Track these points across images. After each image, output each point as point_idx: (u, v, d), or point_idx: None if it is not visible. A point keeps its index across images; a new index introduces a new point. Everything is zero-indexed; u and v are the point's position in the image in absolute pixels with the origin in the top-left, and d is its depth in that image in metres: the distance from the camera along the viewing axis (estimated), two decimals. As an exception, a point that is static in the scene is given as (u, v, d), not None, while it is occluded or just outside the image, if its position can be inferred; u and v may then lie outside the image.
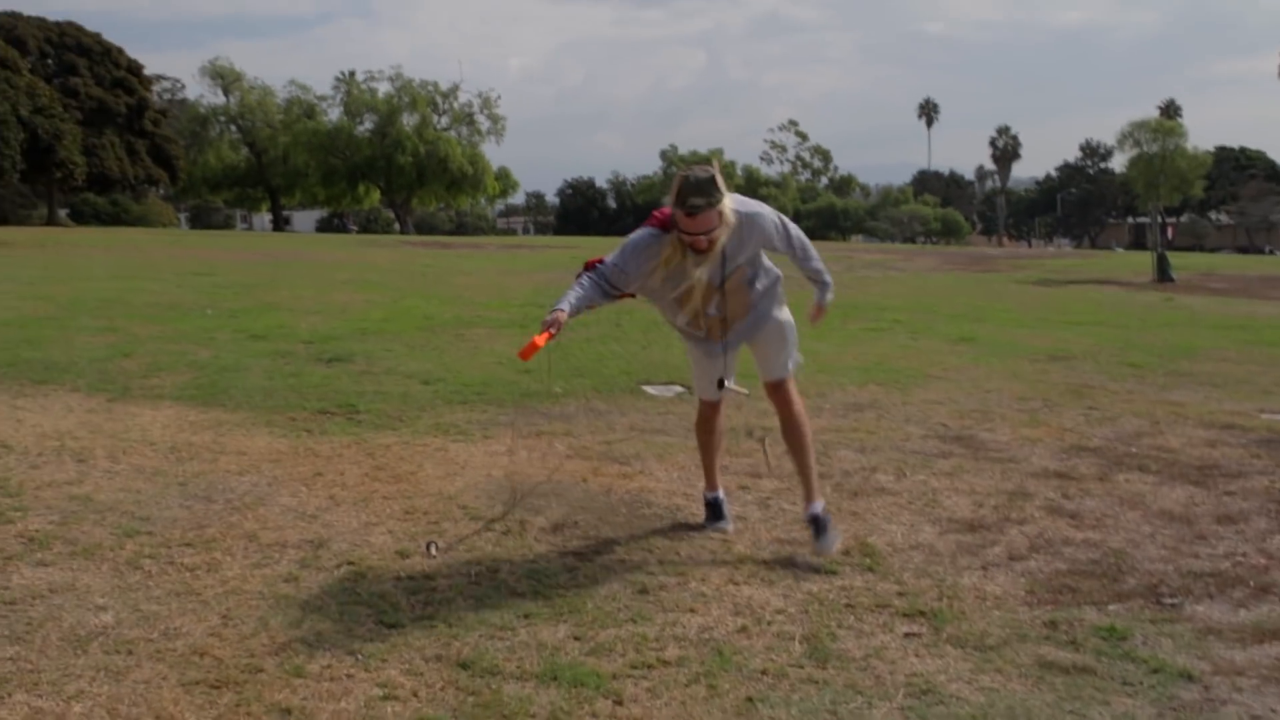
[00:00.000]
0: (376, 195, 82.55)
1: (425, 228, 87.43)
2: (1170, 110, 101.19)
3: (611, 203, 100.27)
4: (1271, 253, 75.04)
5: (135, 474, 6.30)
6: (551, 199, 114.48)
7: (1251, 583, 4.86)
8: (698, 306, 5.08)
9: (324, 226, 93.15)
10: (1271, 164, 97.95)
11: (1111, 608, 4.53)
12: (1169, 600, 4.62)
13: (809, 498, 5.23)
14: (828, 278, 5.40)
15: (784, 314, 5.31)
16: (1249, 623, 4.39)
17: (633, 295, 5.16)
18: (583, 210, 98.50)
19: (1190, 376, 10.60)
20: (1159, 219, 36.30)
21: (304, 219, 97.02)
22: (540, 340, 4.71)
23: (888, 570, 4.96)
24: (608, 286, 4.98)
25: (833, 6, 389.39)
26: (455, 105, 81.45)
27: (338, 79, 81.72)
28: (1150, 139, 58.85)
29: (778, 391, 5.27)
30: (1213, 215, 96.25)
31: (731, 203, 4.84)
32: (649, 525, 5.61)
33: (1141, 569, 5.03)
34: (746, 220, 4.92)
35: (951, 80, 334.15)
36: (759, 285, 5.18)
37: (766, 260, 5.23)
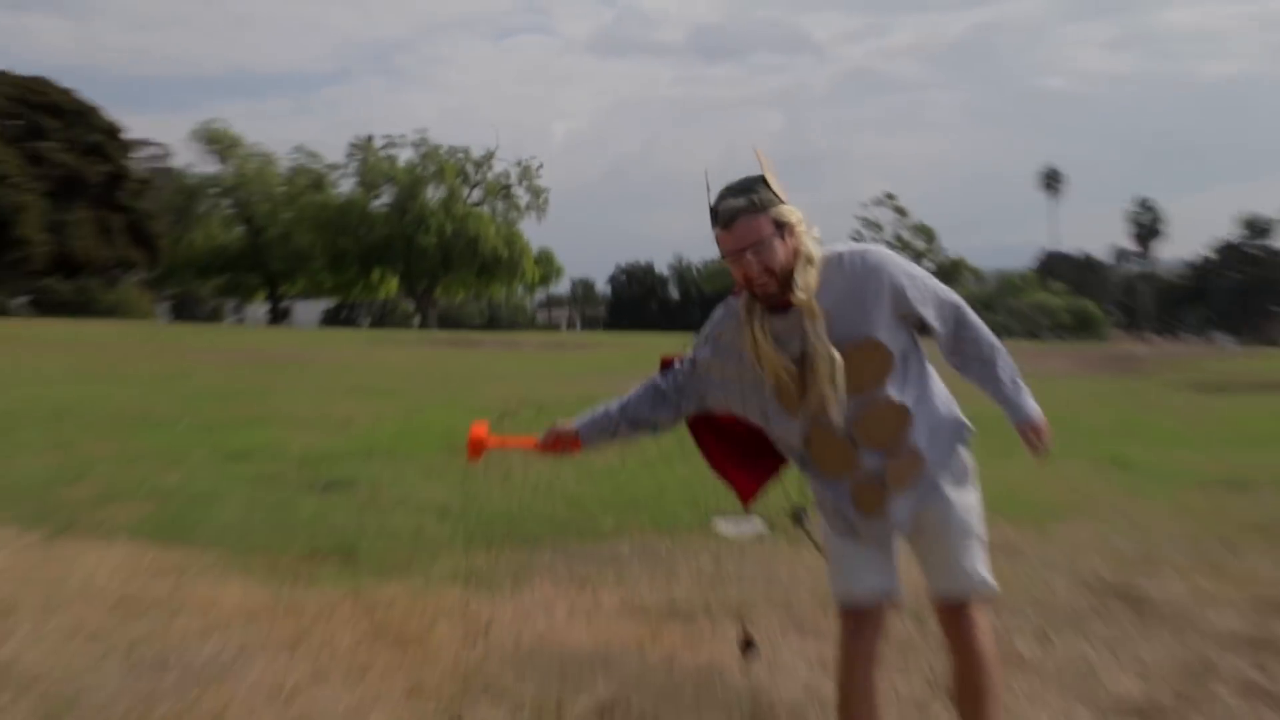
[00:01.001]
0: (394, 283, 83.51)
1: (451, 322, 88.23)
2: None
3: (673, 292, 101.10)
4: None
5: (70, 635, 6.15)
6: (602, 287, 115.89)
7: None
8: (815, 412, 3.83)
9: (330, 319, 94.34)
10: None
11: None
12: None
13: None
14: (1012, 374, 4.28)
15: (966, 493, 4.16)
16: None
17: (726, 413, 4.23)
18: (639, 301, 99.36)
19: (1407, 511, 10.19)
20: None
21: (307, 310, 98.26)
22: (484, 433, 4.35)
23: (1038, 774, 4.61)
24: (675, 393, 4.19)
25: (934, 61, 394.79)
26: (489, 176, 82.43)
27: (352, 145, 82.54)
28: (1331, 211, 58.80)
29: (955, 617, 3.99)
30: None
31: (817, 237, 3.85)
32: (722, 711, 5.30)
33: (1374, 775, 4.65)
34: (854, 261, 3.84)
35: (1079, 145, 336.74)
36: (917, 409, 3.97)
37: (938, 383, 4.13)
